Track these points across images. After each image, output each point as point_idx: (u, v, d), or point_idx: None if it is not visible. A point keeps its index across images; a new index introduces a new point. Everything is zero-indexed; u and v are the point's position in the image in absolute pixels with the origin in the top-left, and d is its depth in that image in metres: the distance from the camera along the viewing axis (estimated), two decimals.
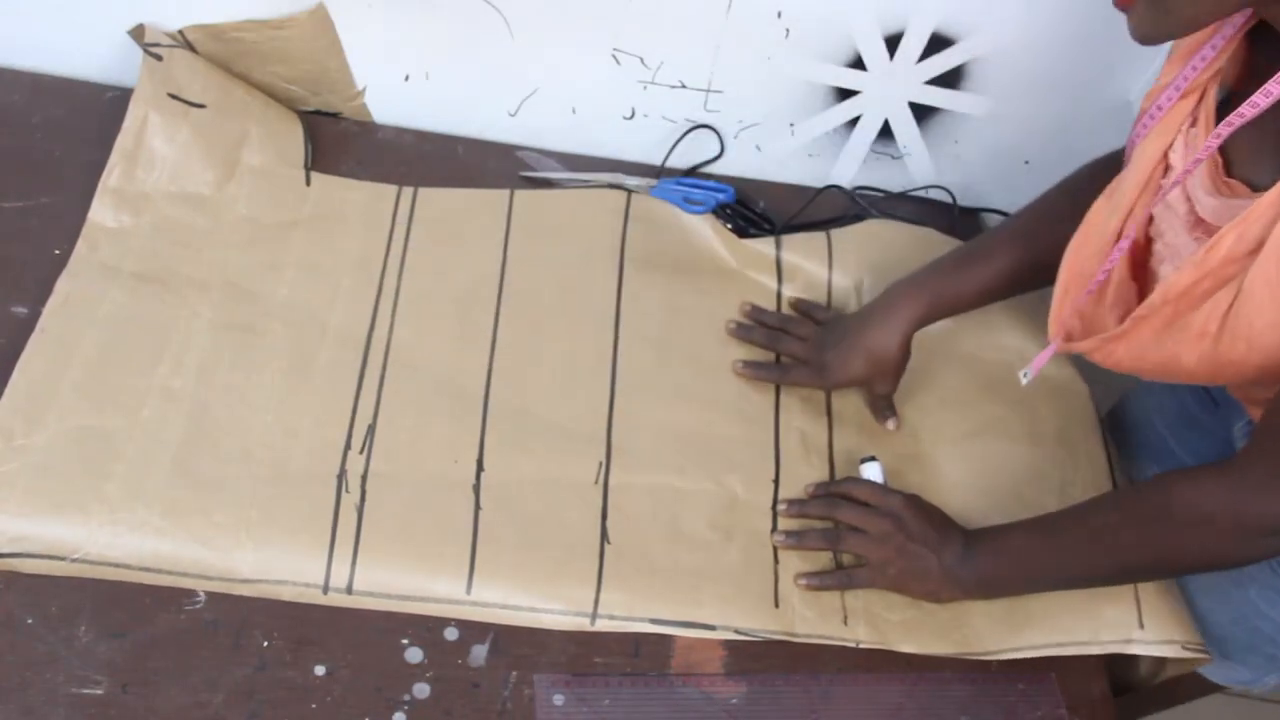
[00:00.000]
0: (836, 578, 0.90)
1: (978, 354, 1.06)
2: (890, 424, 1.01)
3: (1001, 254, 0.96)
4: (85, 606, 0.82)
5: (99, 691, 0.78)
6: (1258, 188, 0.71)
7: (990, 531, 0.88)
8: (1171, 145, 0.78)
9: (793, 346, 1.03)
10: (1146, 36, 0.71)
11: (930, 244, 1.11)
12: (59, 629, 0.80)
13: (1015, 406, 1.03)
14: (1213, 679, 1.05)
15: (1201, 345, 0.74)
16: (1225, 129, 0.72)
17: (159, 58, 1.06)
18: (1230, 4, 0.68)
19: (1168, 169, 0.79)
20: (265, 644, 0.82)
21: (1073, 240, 0.84)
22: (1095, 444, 1.02)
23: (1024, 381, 0.88)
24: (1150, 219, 0.80)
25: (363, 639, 0.84)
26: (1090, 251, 0.83)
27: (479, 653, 0.85)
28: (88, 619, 0.81)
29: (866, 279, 1.09)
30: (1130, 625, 0.88)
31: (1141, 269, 0.82)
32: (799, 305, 1.09)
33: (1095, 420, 1.04)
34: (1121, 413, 1.18)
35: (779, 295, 1.10)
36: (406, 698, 0.82)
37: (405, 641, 0.84)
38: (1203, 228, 0.75)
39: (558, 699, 0.83)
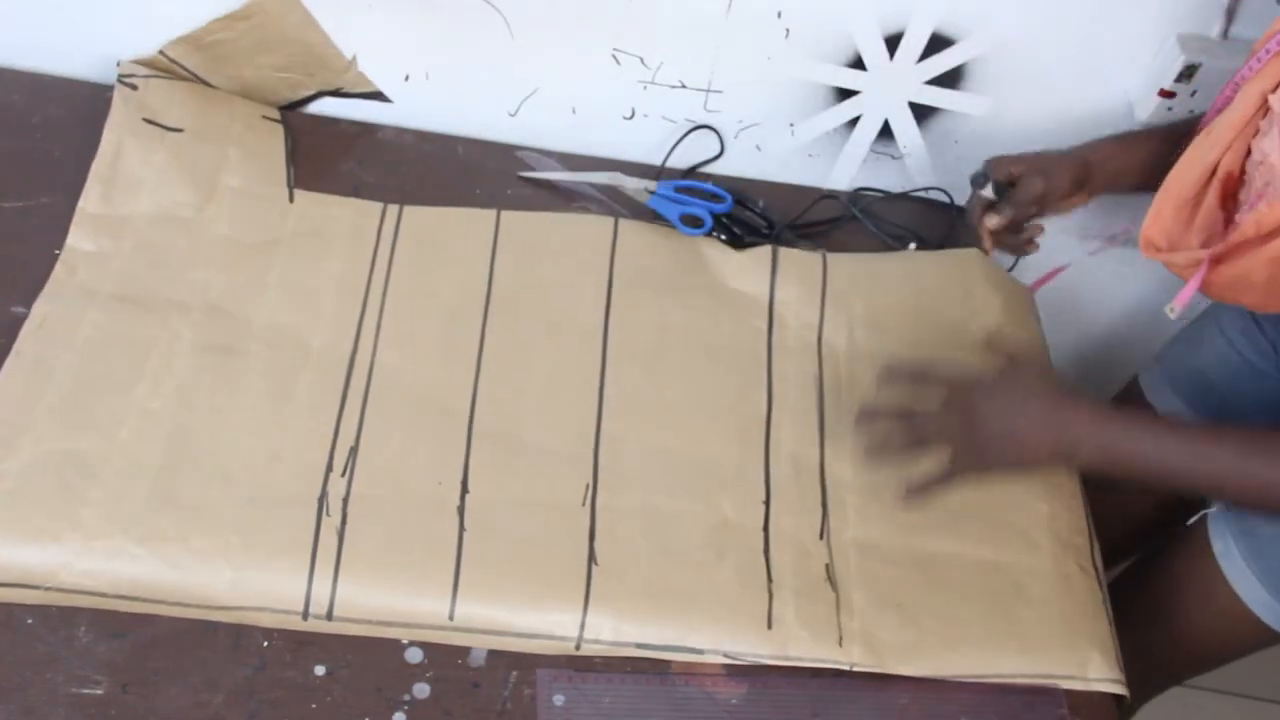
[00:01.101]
0: (932, 481, 0.87)
1: None
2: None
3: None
4: (85, 607, 0.81)
5: (99, 691, 0.78)
6: None
7: (1115, 406, 0.87)
8: (1275, 89, 0.84)
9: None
10: None
11: (926, 275, 1.11)
12: (59, 629, 0.80)
13: None
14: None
15: (1270, 268, 0.81)
16: None
17: (134, 87, 1.06)
18: None
19: (1267, 111, 0.85)
20: (265, 644, 0.82)
21: (1172, 171, 0.90)
22: (1073, 484, 1.01)
23: (1172, 317, 0.91)
24: (1247, 153, 0.86)
25: (363, 639, 0.83)
26: (1188, 179, 0.89)
27: (479, 653, 0.84)
28: (88, 619, 0.81)
29: (859, 306, 1.08)
30: (1112, 668, 0.90)
31: (1232, 200, 0.87)
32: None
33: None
34: (1168, 370, 1.17)
35: (770, 314, 1.07)
36: (406, 698, 0.82)
37: (405, 641, 0.84)
38: None
39: (558, 698, 0.83)
